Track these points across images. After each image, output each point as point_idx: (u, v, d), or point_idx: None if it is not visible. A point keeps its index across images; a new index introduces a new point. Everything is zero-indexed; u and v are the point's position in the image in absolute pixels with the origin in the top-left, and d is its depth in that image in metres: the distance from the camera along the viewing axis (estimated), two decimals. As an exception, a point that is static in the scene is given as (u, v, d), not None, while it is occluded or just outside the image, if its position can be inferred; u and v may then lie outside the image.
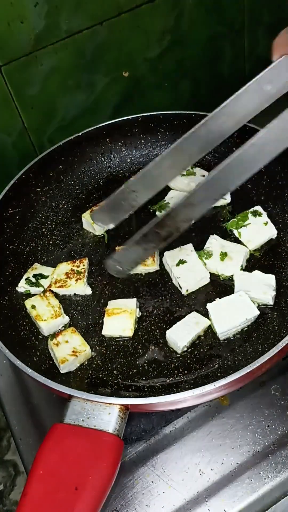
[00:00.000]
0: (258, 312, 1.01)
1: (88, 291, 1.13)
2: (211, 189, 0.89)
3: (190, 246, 1.13)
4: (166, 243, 0.96)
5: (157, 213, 1.23)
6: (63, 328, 1.08)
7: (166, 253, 1.13)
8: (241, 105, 0.89)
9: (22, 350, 1.03)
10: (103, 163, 1.36)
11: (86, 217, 1.23)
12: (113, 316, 1.06)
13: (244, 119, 0.91)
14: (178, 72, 1.52)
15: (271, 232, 1.15)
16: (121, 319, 1.05)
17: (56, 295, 1.12)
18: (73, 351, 1.00)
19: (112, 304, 1.08)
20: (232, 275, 1.10)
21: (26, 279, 1.14)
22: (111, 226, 1.07)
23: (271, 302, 1.04)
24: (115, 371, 1.01)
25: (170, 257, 1.12)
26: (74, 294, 1.14)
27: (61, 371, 1.00)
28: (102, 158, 1.37)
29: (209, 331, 1.03)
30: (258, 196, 1.24)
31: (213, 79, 1.61)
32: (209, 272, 1.10)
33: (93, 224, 1.21)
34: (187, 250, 1.13)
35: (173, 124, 1.34)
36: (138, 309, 1.08)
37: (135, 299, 1.08)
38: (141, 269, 1.13)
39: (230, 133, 0.93)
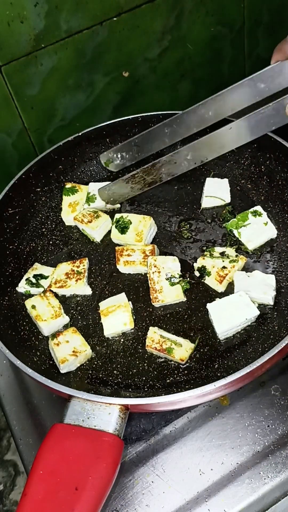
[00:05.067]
0: (258, 312, 1.01)
1: (88, 291, 1.13)
2: (192, 154, 1.14)
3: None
4: (150, 188, 1.23)
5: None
6: (63, 328, 1.08)
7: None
8: (234, 97, 1.08)
9: (22, 350, 1.03)
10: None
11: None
12: (110, 315, 1.06)
13: (232, 110, 1.11)
14: (178, 72, 1.52)
15: (271, 232, 1.15)
16: (118, 315, 1.05)
17: (56, 295, 1.12)
18: (73, 351, 1.00)
19: (104, 304, 1.08)
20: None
21: (26, 279, 1.14)
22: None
23: (271, 302, 1.04)
24: (115, 371, 1.01)
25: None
26: (74, 294, 1.14)
27: (61, 371, 1.00)
28: (102, 158, 1.37)
29: (209, 331, 1.04)
30: (258, 196, 1.24)
31: (213, 79, 1.61)
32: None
33: (94, 230, 1.21)
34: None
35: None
36: (130, 302, 1.08)
37: (123, 293, 1.09)
38: (142, 269, 1.13)
39: (215, 120, 1.13)
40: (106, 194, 1.24)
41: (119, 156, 1.29)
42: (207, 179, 1.26)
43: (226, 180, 1.25)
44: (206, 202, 1.24)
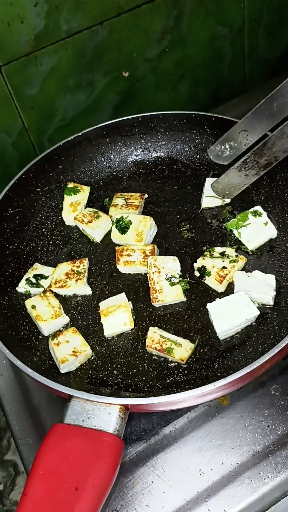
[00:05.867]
0: (258, 312, 1.01)
1: (88, 291, 1.13)
2: None
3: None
4: (265, 171, 1.11)
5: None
6: (64, 328, 1.08)
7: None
8: None
9: (22, 350, 1.03)
10: (103, 163, 1.36)
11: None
12: (110, 315, 1.06)
13: None
14: (178, 72, 1.52)
15: (271, 232, 1.15)
16: (118, 315, 1.05)
17: (56, 295, 1.12)
18: (73, 351, 1.00)
19: (104, 304, 1.08)
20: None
21: (26, 279, 1.14)
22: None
23: (271, 302, 1.04)
24: (115, 371, 1.01)
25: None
26: (74, 294, 1.14)
27: (61, 371, 1.00)
28: (102, 158, 1.37)
29: (209, 331, 1.03)
30: (258, 196, 1.24)
31: (213, 79, 1.61)
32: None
33: (94, 230, 1.21)
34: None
35: (173, 124, 1.34)
36: (130, 302, 1.08)
37: (123, 293, 1.09)
38: (142, 269, 1.13)
39: None
40: (220, 188, 1.19)
41: (227, 146, 1.23)
42: (207, 179, 1.26)
43: (226, 180, 1.25)
44: (206, 202, 1.24)
